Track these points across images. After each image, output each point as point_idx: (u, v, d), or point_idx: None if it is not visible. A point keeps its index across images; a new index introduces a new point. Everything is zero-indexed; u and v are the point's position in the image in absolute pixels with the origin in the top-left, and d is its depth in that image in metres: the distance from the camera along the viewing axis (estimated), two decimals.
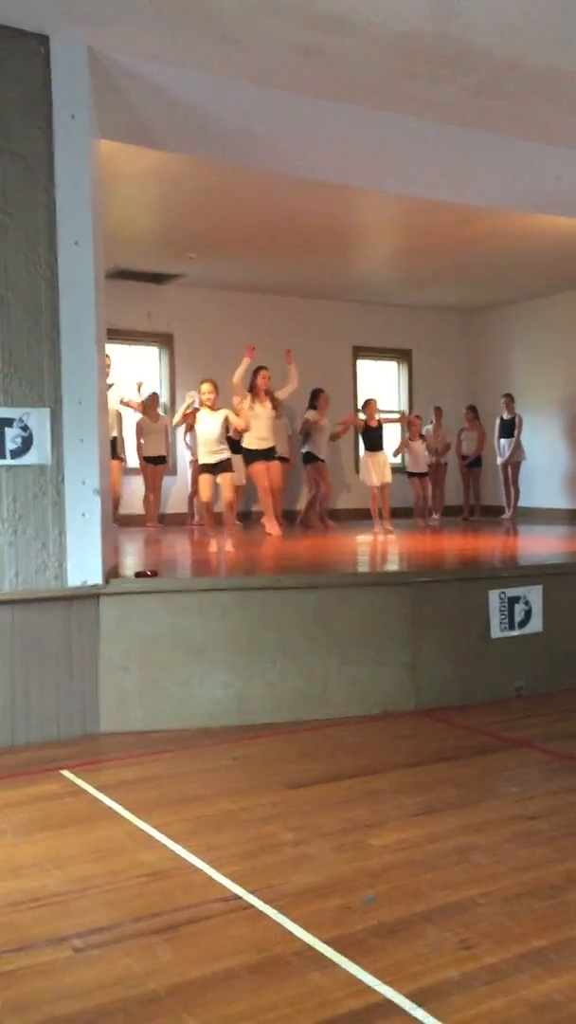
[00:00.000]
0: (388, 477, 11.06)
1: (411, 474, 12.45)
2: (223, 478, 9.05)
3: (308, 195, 8.56)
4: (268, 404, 9.96)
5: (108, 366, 8.65)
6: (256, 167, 7.35)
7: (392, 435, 12.40)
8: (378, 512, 10.94)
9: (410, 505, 12.68)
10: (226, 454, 9.33)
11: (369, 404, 11.32)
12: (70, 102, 5.20)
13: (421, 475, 12.30)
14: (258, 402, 9.80)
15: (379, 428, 11.10)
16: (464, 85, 5.72)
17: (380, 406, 12.37)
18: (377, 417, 11.12)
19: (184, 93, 5.79)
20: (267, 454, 9.79)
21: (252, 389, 9.80)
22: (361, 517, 12.55)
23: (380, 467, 10.98)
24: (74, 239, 5.23)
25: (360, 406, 11.20)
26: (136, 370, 12.49)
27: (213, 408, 8.84)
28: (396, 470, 11.95)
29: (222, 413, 8.87)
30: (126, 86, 5.66)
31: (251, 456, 9.73)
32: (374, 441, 11.03)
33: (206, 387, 8.66)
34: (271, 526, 9.69)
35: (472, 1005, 2.48)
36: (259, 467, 9.70)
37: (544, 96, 5.91)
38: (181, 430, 12.50)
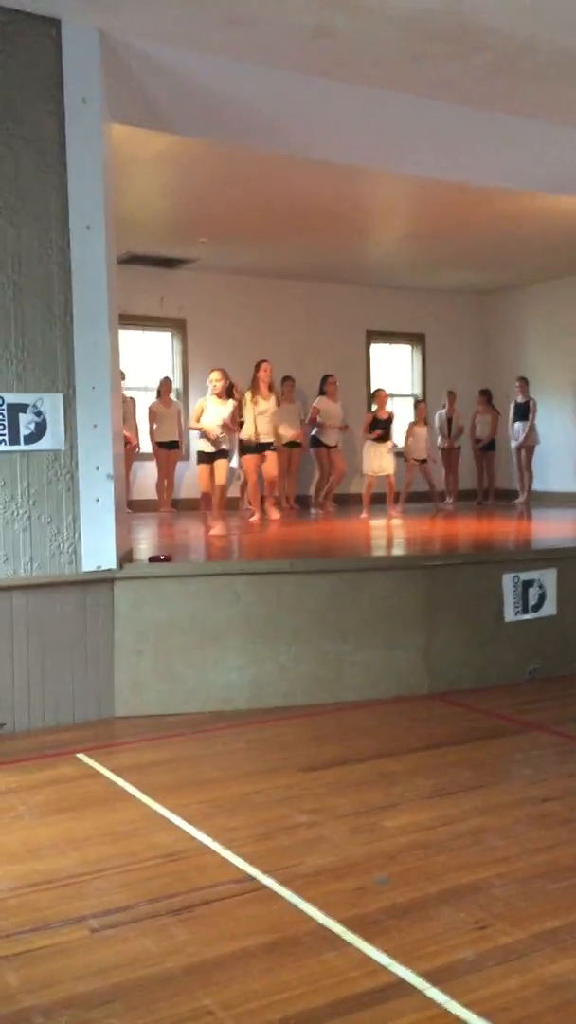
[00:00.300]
0: (389, 469, 10.96)
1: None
2: (218, 464, 9.09)
3: (319, 178, 8.51)
4: (272, 398, 10.01)
5: None
6: (267, 150, 7.32)
7: (400, 423, 12.33)
8: (370, 499, 10.91)
9: (420, 490, 12.62)
10: (225, 444, 9.38)
11: (379, 395, 11.24)
12: (81, 86, 5.19)
13: (421, 461, 12.15)
14: (260, 396, 9.83)
15: (388, 419, 11.02)
16: (476, 65, 5.67)
17: (394, 390, 12.35)
18: (388, 410, 11.02)
19: (195, 76, 5.76)
20: (260, 448, 9.88)
21: (254, 383, 9.85)
22: (374, 502, 12.54)
23: (381, 457, 10.91)
24: (86, 224, 5.23)
25: (372, 394, 11.18)
26: (149, 356, 12.50)
27: (220, 397, 8.86)
28: (396, 455, 11.91)
29: (229, 405, 8.87)
30: (137, 70, 5.63)
31: (244, 449, 9.96)
32: (382, 432, 10.96)
33: (215, 375, 8.63)
34: (256, 515, 9.96)
35: (486, 985, 2.50)
36: (250, 460, 9.95)
37: (557, 76, 5.85)
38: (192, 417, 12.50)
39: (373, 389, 12.64)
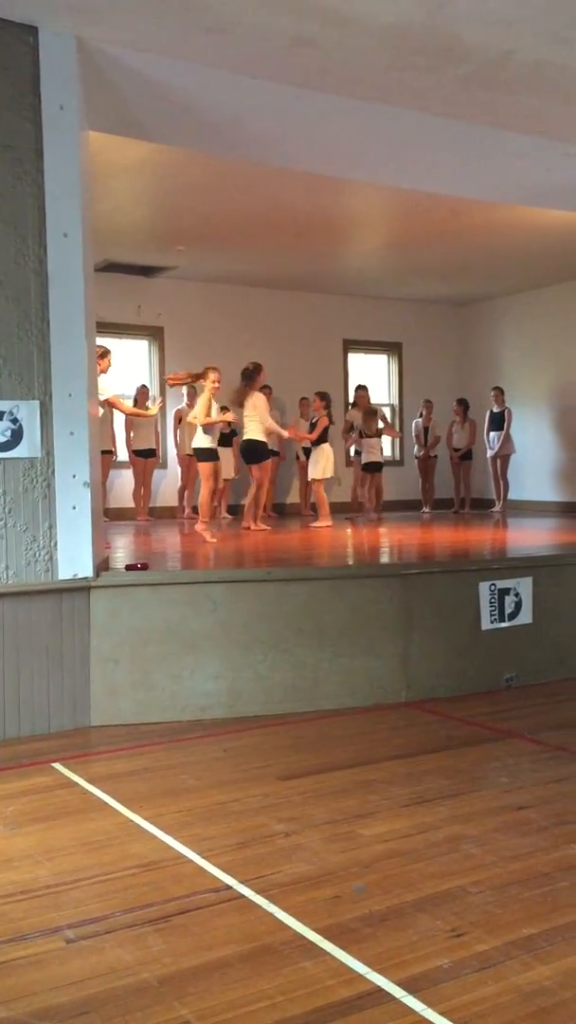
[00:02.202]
0: (329, 472, 10.72)
1: (365, 466, 12.04)
2: (221, 462, 9.08)
3: (297, 187, 8.55)
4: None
5: (107, 358, 8.57)
6: (245, 159, 7.35)
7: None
8: (312, 506, 10.83)
9: (404, 497, 12.65)
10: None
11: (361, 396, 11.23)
12: (59, 93, 5.18)
13: (373, 469, 11.99)
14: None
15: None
16: (455, 77, 5.71)
17: (371, 399, 12.36)
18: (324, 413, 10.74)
19: (174, 84, 5.77)
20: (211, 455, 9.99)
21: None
22: (349, 510, 12.57)
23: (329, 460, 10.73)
24: (63, 231, 5.21)
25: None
26: (126, 364, 12.48)
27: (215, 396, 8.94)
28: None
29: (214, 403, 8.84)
30: (115, 77, 5.64)
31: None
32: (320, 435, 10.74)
33: (215, 375, 8.55)
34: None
35: (463, 992, 2.50)
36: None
37: (535, 89, 5.91)
38: (171, 423, 12.49)
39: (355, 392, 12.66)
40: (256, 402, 9.49)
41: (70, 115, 5.22)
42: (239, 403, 9.63)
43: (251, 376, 9.53)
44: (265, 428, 9.54)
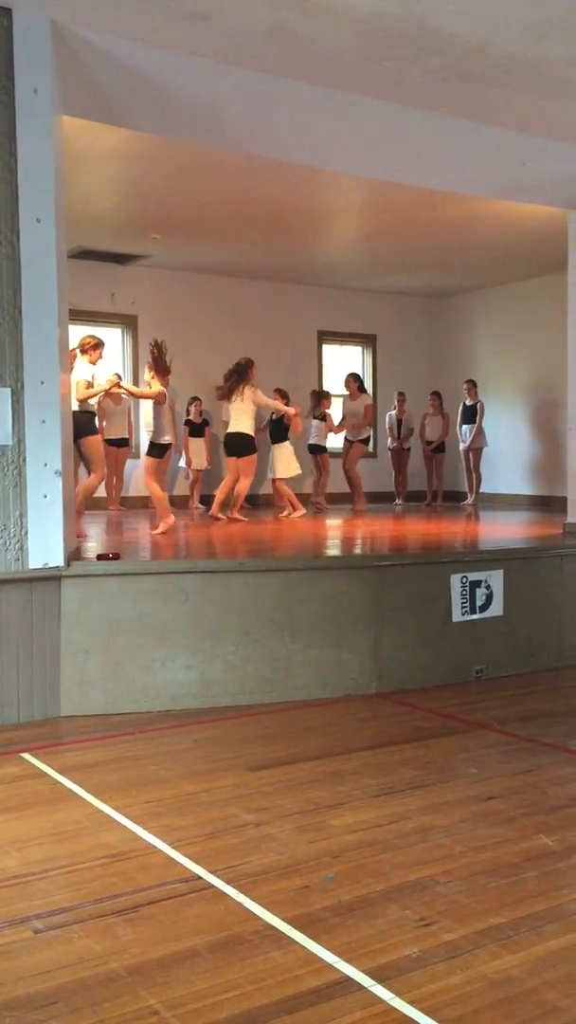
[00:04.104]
0: (294, 471, 10.80)
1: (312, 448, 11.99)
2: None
3: (273, 177, 8.51)
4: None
5: (99, 350, 8.48)
6: (221, 148, 7.30)
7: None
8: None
9: (377, 489, 12.68)
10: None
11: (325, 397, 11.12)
12: (33, 76, 5.12)
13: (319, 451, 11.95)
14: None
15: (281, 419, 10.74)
16: (431, 69, 5.71)
17: (344, 391, 12.36)
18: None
19: (149, 70, 5.71)
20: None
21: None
22: (340, 501, 12.57)
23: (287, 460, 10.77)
24: (36, 216, 5.16)
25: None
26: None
27: None
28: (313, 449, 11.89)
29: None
30: (90, 62, 5.58)
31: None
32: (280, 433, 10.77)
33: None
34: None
35: (431, 981, 2.51)
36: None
37: (510, 82, 5.92)
38: (144, 410, 12.42)
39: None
40: (255, 395, 9.59)
41: (44, 99, 5.16)
42: (227, 398, 9.63)
43: (245, 371, 9.60)
44: (274, 409, 9.96)
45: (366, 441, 12.36)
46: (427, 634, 6.13)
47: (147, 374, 8.28)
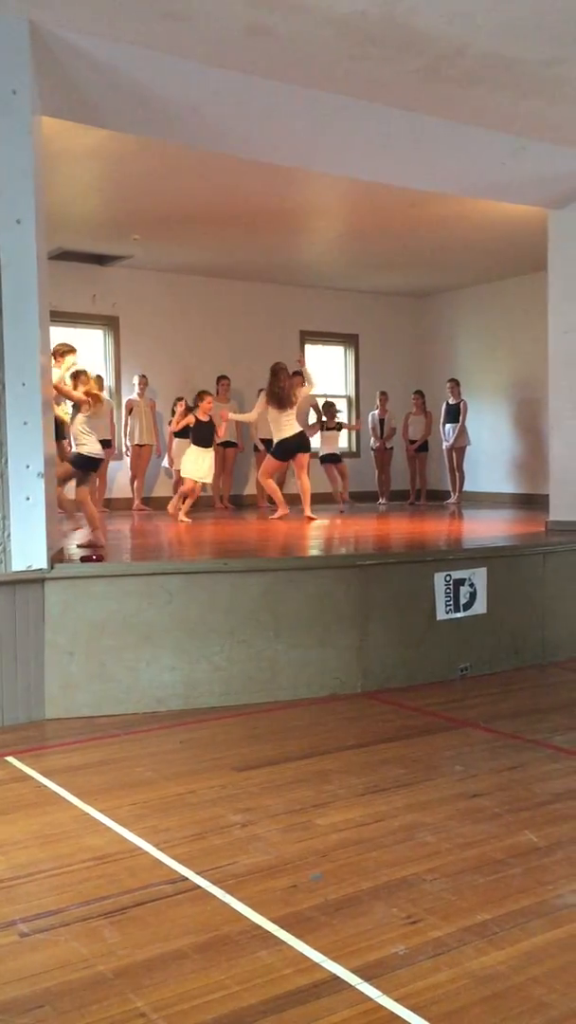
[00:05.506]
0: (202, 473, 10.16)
1: (324, 458, 12.04)
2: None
3: (253, 177, 8.51)
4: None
5: (66, 357, 8.34)
6: (201, 148, 7.28)
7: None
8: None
9: (360, 489, 12.71)
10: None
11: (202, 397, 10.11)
12: (11, 77, 5.10)
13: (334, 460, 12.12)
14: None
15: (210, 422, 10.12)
16: (411, 69, 5.72)
17: (327, 391, 12.40)
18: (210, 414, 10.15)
19: (129, 71, 5.70)
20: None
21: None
22: (324, 501, 12.56)
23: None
24: (16, 217, 5.14)
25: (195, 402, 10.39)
26: (81, 354, 12.34)
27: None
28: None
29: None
30: (69, 62, 5.55)
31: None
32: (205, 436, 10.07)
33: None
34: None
35: (418, 979, 2.52)
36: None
37: (490, 82, 5.94)
38: (124, 414, 12.41)
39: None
40: (300, 394, 9.90)
41: (23, 100, 5.14)
42: (288, 405, 9.58)
43: (291, 375, 9.86)
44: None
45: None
46: (412, 633, 6.14)
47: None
